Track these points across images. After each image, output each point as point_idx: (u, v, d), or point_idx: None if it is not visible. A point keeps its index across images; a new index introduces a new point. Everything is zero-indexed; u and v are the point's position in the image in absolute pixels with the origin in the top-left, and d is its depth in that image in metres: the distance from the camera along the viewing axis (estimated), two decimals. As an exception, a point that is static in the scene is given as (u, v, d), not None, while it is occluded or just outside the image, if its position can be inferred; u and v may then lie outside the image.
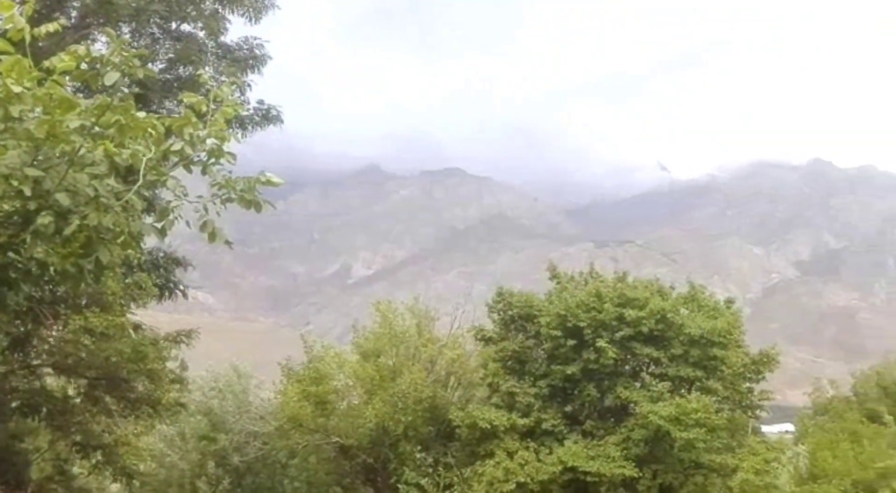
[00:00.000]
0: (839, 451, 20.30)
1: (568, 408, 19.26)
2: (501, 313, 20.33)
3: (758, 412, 19.90)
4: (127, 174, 4.36)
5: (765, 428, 30.73)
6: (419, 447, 18.85)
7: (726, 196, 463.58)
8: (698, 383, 18.17)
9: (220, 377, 23.20)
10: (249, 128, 15.31)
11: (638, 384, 18.62)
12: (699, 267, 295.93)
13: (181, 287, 17.83)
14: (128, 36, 14.60)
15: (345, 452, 20.21)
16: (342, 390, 20.89)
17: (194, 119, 4.26)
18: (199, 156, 4.32)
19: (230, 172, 4.40)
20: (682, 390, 18.09)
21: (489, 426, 17.94)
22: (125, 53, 4.29)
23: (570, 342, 18.63)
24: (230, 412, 22.03)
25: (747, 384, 19.14)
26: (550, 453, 17.63)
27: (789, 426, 41.17)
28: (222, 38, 15.67)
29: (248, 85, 15.31)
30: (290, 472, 21.68)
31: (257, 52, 15.62)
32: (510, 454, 17.68)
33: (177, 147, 4.23)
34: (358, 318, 22.97)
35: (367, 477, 20.74)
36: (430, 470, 18.40)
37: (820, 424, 27.54)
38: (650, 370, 18.88)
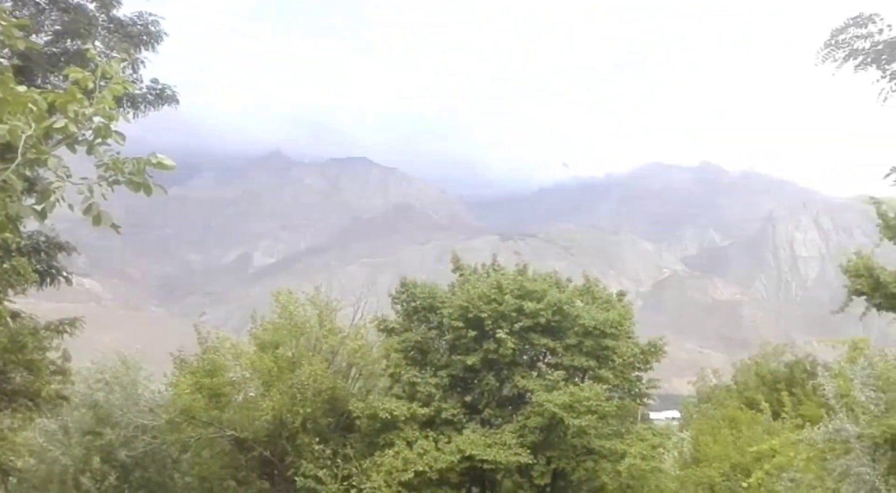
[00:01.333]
0: (720, 436, 21.59)
1: (468, 397, 19.57)
2: (405, 304, 20.40)
3: (646, 399, 20.88)
4: (5, 152, 4.06)
5: (653, 415, 32.40)
6: (318, 439, 18.65)
7: (623, 194, 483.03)
8: (591, 372, 18.89)
9: (106, 369, 22.08)
10: (142, 107, 14.57)
11: (535, 374, 19.14)
12: (596, 261, 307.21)
13: (64, 274, 16.80)
14: (9, 4, 13.59)
15: (240, 445, 19.73)
16: (238, 383, 20.37)
17: (80, 95, 4.02)
18: (84, 135, 4.08)
19: (119, 153, 4.17)
20: (576, 379, 18.76)
21: (389, 417, 17.98)
22: (4, 23, 4.00)
23: (472, 333, 18.93)
24: (117, 405, 21.02)
25: (636, 373, 20.04)
26: (449, 441, 17.87)
27: (675, 413, 43.41)
28: (114, 12, 14.83)
29: (142, 62, 14.57)
30: (181, 467, 20.98)
31: (152, 28, 14.86)
32: (409, 444, 17.79)
33: (60, 125, 3.97)
34: (257, 309, 22.40)
35: (264, 471, 20.36)
36: (329, 462, 18.25)
37: (703, 411, 29.17)
38: (546, 360, 19.46)
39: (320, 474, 17.93)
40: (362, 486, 17.59)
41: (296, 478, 18.29)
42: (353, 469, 18.12)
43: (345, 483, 17.95)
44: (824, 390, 11.80)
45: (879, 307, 14.60)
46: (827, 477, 11.28)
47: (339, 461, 18.34)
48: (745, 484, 13.06)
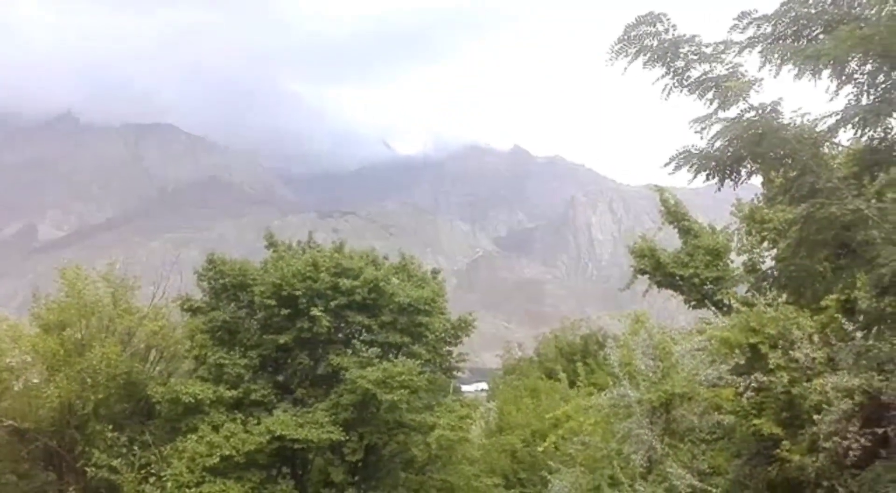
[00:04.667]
0: (522, 405, 22.97)
1: (280, 377, 19.11)
2: (212, 281, 19.41)
3: (456, 373, 21.65)
4: None
5: (464, 388, 33.70)
6: (111, 427, 17.45)
7: (440, 174, 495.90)
8: (405, 349, 19.20)
9: None
10: None
11: (350, 351, 19.10)
12: (414, 240, 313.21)
13: None
14: None
15: (20, 436, 17.93)
16: (17, 368, 18.40)
17: None
18: None
19: None
20: (391, 356, 18.97)
21: (193, 400, 17.17)
22: None
23: (285, 311, 18.46)
24: None
25: (447, 348, 20.71)
26: (259, 423, 17.37)
27: (485, 386, 45.56)
28: None
29: None
30: (-53, 463, 18.53)
31: None
32: (215, 428, 17.09)
33: None
34: (43, 287, 20.23)
35: (49, 462, 18.69)
36: (125, 450, 17.13)
37: (508, 382, 30.87)
38: (362, 338, 19.49)
39: (115, 463, 16.81)
40: (162, 473, 16.62)
41: (86, 469, 16.91)
42: (153, 457, 17.14)
43: (143, 472, 16.90)
44: (611, 359, 12.84)
45: (660, 285, 16.26)
46: (611, 438, 12.33)
47: (136, 448, 17.32)
48: (541, 448, 13.96)
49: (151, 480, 16.74)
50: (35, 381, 18.74)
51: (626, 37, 6.70)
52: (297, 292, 18.44)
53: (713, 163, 6.65)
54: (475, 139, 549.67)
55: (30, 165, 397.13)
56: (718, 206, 16.93)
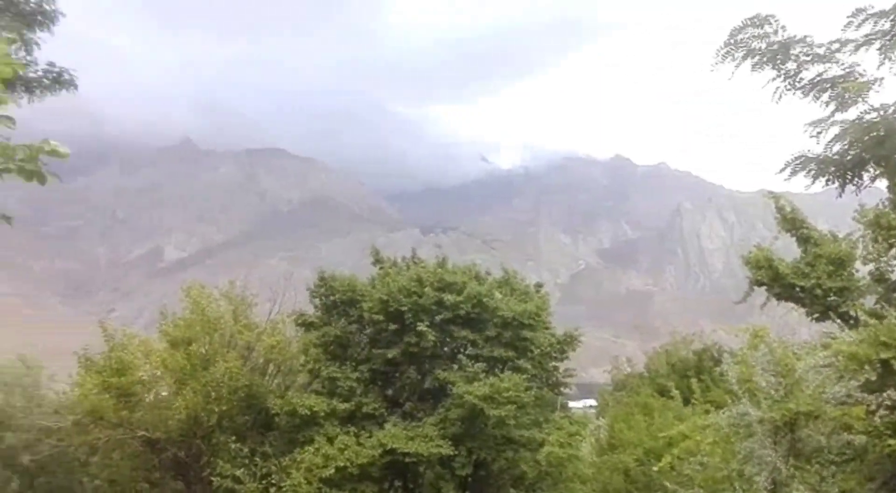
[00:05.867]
0: (633, 422, 22.30)
1: (389, 391, 19.49)
2: (324, 298, 20.11)
3: (563, 388, 21.36)
4: None
5: (571, 404, 33.15)
6: (234, 438, 18.22)
7: (540, 187, 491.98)
8: (510, 363, 19.16)
9: (4, 370, 20.81)
10: (38, 92, 13.67)
11: (455, 366, 19.25)
12: (516, 254, 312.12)
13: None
14: None
15: (152, 446, 19.07)
16: (149, 381, 19.62)
17: (-38, 77, 3.69)
18: (-33, 120, 3.75)
19: (8, 139, 3.87)
20: (496, 370, 18.97)
21: (309, 413, 17.73)
22: None
23: (392, 326, 18.85)
24: (18, 407, 19.88)
25: (554, 363, 20.47)
26: (371, 436, 17.76)
27: (593, 401, 44.60)
28: (5, -11, 13.81)
29: (36, 43, 13.62)
30: (90, 470, 20.07)
31: (46, 6, 13.90)
32: (330, 440, 17.59)
33: (-60, 108, 3.64)
34: (170, 305, 21.59)
35: (178, 471, 19.73)
36: (247, 461, 17.85)
37: (618, 398, 30.05)
38: (467, 352, 19.61)
39: (238, 473, 17.51)
40: (282, 484, 17.27)
41: (212, 478, 17.79)
42: (273, 467, 17.78)
43: (264, 482, 17.59)
44: (729, 376, 12.30)
45: (778, 297, 15.41)
46: (732, 459, 11.78)
47: (258, 459, 17.98)
48: (656, 468, 13.52)
49: (272, 490, 17.33)
50: (164, 394, 19.75)
51: (732, 40, 6.49)
52: (404, 308, 18.80)
53: (832, 167, 6.33)
54: (574, 150, 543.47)
55: (153, 191, 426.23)
56: (840, 211, 15.93)
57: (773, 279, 15.26)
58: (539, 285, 22.24)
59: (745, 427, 11.44)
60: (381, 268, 21.08)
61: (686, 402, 19.41)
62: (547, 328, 19.93)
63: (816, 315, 14.89)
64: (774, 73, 6.43)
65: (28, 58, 13.31)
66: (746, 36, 6.49)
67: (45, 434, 19.52)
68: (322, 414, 17.83)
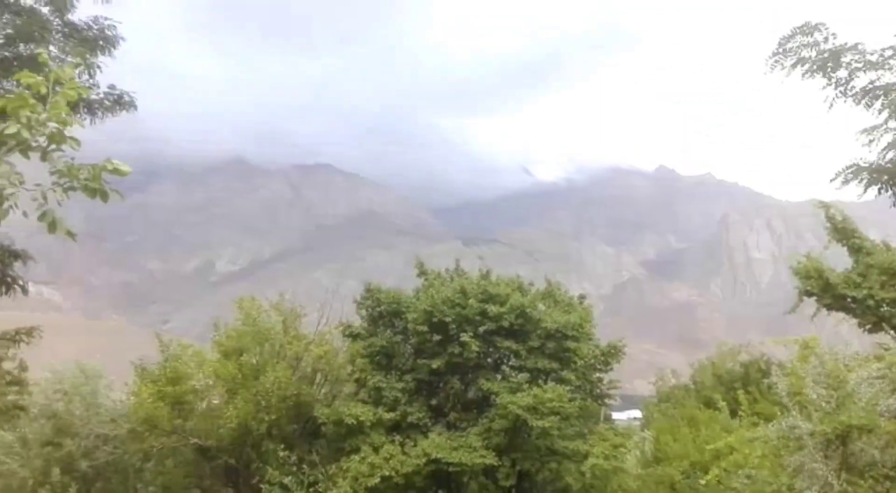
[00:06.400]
0: (679, 435, 21.94)
1: (433, 401, 19.61)
2: (370, 309, 20.39)
3: (607, 400, 21.17)
4: (-45, 158, 4.02)
5: (615, 415, 32.77)
6: (283, 446, 18.53)
7: (583, 198, 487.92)
8: (554, 374, 19.09)
9: (65, 378, 21.59)
10: (100, 113, 14.34)
11: (499, 376, 19.28)
12: (558, 265, 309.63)
13: (21, 282, 16.41)
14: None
15: (204, 453, 19.51)
16: (201, 390, 20.13)
17: (32, 101, 4.00)
18: (38, 140, 4.06)
19: (73, 159, 4.16)
20: (540, 381, 18.94)
21: (355, 422, 17.95)
22: (-47, 27, 3.97)
23: (436, 337, 19.00)
24: (77, 415, 20.58)
25: (597, 374, 20.32)
26: (415, 445, 17.89)
27: (637, 413, 43.98)
28: (69, 16, 14.56)
29: (98, 67, 14.31)
30: (144, 476, 20.61)
31: (108, 32, 14.59)
32: (376, 449, 17.77)
33: (12, 130, 3.95)
34: (221, 316, 22.17)
35: (229, 479, 20.14)
36: (295, 468, 18.14)
37: (663, 410, 29.60)
38: (510, 363, 19.61)
39: (286, 481, 17.80)
40: (329, 492, 17.51)
41: (261, 485, 18.13)
42: (320, 475, 18.03)
43: (311, 490, 17.85)
44: (778, 388, 12.11)
45: (829, 308, 15.06)
46: (782, 473, 11.56)
47: (306, 467, 18.24)
48: (703, 481, 13.33)
49: (319, 498, 17.66)
50: (216, 402, 20.23)
51: (781, 48, 6.46)
52: (448, 319, 18.94)
53: (885, 176, 6.23)
54: (617, 162, 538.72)
55: (207, 206, 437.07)
56: (893, 220, 15.55)
57: (824, 290, 14.93)
58: (582, 297, 22.14)
59: (796, 440, 11.23)
60: (425, 280, 21.30)
61: (733, 414, 19.04)
62: (590, 339, 19.82)
63: (869, 326, 14.51)
64: (825, 81, 6.37)
65: (91, 81, 13.98)
66: (796, 44, 6.44)
67: (102, 441, 20.19)
68: (368, 423, 18.03)
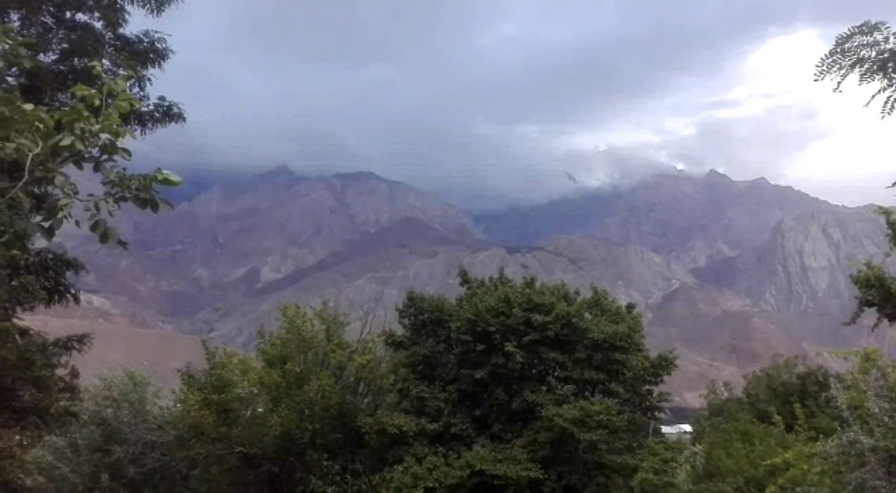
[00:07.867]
0: (732, 450, 21.27)
1: (477, 412, 19.44)
2: (412, 317, 20.34)
3: (657, 413, 20.69)
4: (12, 170, 4.06)
5: (665, 429, 32.03)
6: (326, 455, 18.58)
7: (630, 205, 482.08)
8: (601, 386, 18.74)
9: (114, 385, 22.05)
10: (149, 125, 14.64)
11: (544, 388, 19.01)
12: (604, 273, 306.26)
13: (72, 291, 16.78)
14: (16, 24, 13.69)
15: (248, 461, 19.66)
16: (246, 398, 20.32)
17: (86, 113, 4.01)
18: (91, 152, 4.07)
19: (125, 169, 4.16)
20: (587, 393, 18.61)
21: (398, 432, 17.88)
22: (10, 42, 4.00)
23: (480, 347, 18.84)
24: (126, 422, 20.98)
25: (647, 387, 19.88)
26: (459, 457, 17.73)
27: (687, 427, 42.95)
28: (121, 30, 14.91)
29: (148, 79, 14.62)
30: (190, 483, 20.88)
31: (158, 45, 14.91)
32: (419, 460, 17.67)
33: (66, 142, 3.97)
34: (266, 324, 22.38)
35: (272, 487, 20.25)
36: (338, 478, 18.16)
37: (715, 424, 28.74)
38: (556, 374, 19.34)
39: (329, 490, 17.84)
40: (372, 502, 17.47)
41: (304, 494, 18.18)
42: (363, 485, 18.01)
43: (355, 500, 17.82)
44: (837, 402, 11.62)
45: (891, 318, 14.43)
46: (842, 490, 11.08)
47: (349, 476, 18.23)
48: (758, 498, 12.86)
49: (362, 508, 17.61)
50: (260, 410, 20.46)
51: (838, 49, 6.18)
52: (491, 328, 18.76)
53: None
54: (666, 168, 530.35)
55: (252, 215, 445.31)
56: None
57: (885, 299, 14.30)
58: (631, 306, 21.73)
59: (857, 456, 10.76)
60: (468, 288, 21.16)
61: (789, 428, 18.44)
62: (640, 351, 19.43)
63: (935, 338, 13.86)
64: (885, 82, 6.06)
65: (141, 93, 14.28)
66: (854, 44, 6.13)
67: (149, 448, 20.51)
68: (411, 434, 17.95)
